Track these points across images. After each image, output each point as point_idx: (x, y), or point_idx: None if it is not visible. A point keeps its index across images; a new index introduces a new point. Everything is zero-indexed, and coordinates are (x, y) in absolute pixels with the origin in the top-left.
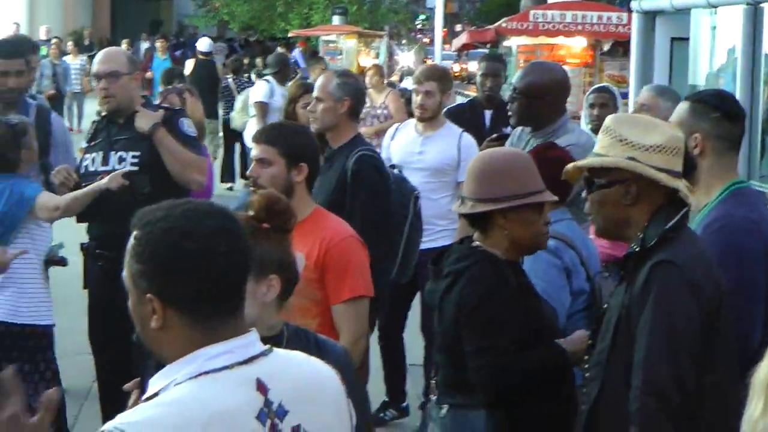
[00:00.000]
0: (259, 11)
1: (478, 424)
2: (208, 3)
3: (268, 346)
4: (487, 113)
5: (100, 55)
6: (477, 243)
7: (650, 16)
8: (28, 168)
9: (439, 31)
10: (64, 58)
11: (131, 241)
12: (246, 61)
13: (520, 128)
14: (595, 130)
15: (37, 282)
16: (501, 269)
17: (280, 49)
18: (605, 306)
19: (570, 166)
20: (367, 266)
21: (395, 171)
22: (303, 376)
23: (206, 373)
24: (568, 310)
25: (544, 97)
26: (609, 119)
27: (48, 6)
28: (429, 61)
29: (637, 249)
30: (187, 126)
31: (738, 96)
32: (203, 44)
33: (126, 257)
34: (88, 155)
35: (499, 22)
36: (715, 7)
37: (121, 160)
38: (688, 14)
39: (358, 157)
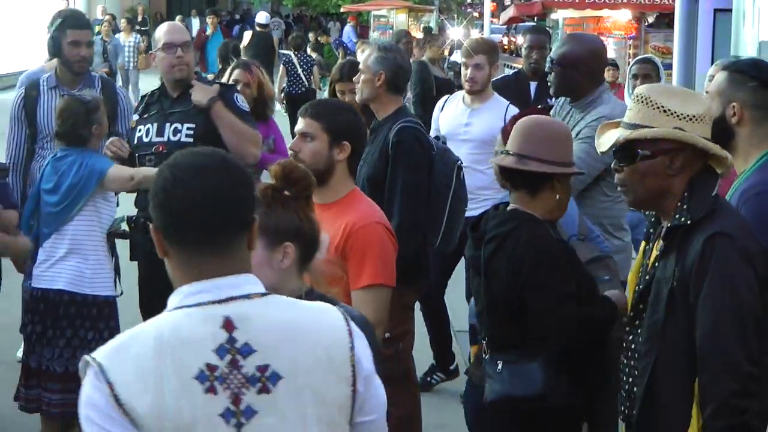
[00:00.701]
0: None
1: (535, 374)
2: None
3: (257, 292)
4: (533, 85)
5: (168, 27)
6: (514, 206)
7: None
8: (98, 143)
9: (488, 4)
10: (116, 35)
11: None
12: None
13: (562, 99)
14: None
15: (99, 254)
16: (546, 228)
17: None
18: (647, 278)
19: (621, 138)
20: (392, 255)
21: (439, 142)
22: (288, 321)
23: (181, 308)
24: None
25: (578, 67)
26: (643, 89)
27: None
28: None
29: (687, 221)
30: (241, 101)
31: None
32: (261, 17)
33: None
34: (141, 127)
35: None
36: None
37: (177, 131)
38: None
39: (399, 129)
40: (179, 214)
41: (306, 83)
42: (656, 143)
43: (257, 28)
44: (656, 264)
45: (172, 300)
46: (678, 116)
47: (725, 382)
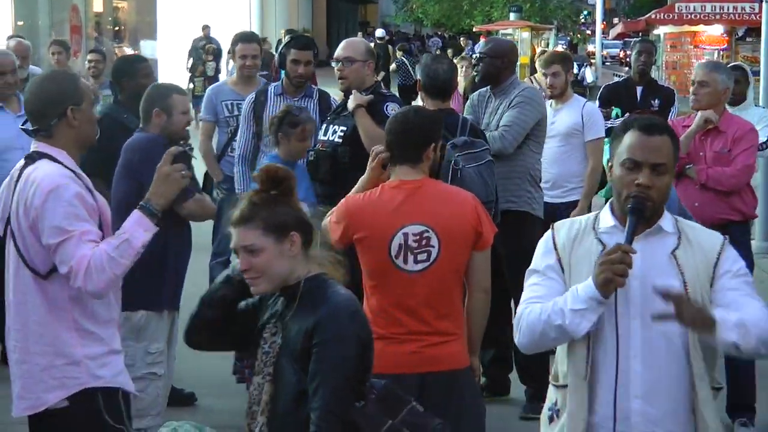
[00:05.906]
0: (448, 10)
1: None
2: (406, 5)
3: None
4: (639, 89)
5: (342, 44)
6: None
7: None
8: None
9: (599, 23)
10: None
11: None
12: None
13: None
14: (732, 104)
15: None
16: None
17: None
18: None
19: None
20: None
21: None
22: None
23: None
24: None
25: (501, 57)
26: None
27: (277, 12)
28: (549, 49)
29: None
30: (391, 109)
31: None
32: (379, 33)
33: None
34: (322, 127)
35: (648, 14)
36: None
37: (333, 132)
38: None
39: None
40: None
41: (413, 76)
42: None
43: (377, 41)
44: None
45: None
46: None
47: None
